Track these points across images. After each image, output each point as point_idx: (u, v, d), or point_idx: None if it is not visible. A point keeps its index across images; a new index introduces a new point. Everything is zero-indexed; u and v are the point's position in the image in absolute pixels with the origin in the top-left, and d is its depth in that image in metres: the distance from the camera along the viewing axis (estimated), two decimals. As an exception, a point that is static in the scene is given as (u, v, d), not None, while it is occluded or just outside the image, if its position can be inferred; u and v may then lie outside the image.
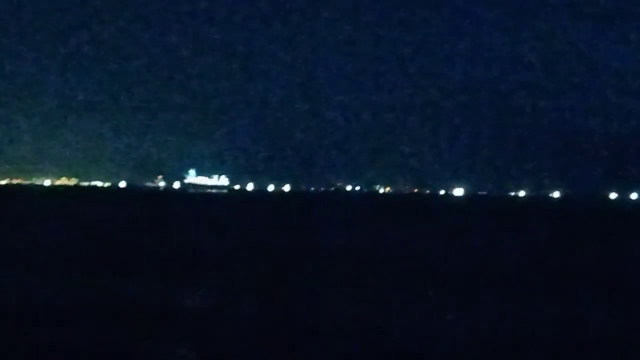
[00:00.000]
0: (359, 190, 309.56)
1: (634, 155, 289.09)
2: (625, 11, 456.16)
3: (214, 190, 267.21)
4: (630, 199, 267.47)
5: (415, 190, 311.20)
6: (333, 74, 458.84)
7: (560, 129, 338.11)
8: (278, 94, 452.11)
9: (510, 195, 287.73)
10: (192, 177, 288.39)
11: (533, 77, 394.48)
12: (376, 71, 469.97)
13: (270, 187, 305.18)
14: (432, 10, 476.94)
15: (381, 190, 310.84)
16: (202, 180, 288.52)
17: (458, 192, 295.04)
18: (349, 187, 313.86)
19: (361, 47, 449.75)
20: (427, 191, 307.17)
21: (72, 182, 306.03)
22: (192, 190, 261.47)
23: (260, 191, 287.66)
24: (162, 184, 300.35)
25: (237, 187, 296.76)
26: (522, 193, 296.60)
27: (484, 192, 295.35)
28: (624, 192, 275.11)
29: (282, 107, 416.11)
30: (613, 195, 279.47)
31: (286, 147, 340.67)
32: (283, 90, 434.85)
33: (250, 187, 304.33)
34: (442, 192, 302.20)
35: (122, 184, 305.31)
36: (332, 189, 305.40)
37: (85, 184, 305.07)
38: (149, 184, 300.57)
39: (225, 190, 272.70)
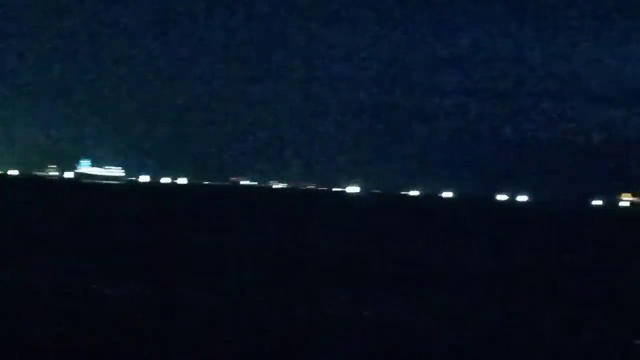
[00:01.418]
0: (255, 184, 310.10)
1: (524, 160, 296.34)
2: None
3: (107, 181, 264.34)
4: (518, 201, 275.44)
5: (312, 186, 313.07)
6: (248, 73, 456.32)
7: (456, 132, 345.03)
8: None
9: (403, 195, 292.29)
10: (86, 168, 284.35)
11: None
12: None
13: (166, 180, 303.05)
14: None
15: (275, 186, 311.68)
16: (96, 170, 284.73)
17: (353, 189, 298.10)
18: (244, 182, 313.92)
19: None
20: (324, 188, 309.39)
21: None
22: (86, 181, 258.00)
23: (154, 183, 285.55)
24: (54, 173, 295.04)
25: (131, 178, 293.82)
26: (415, 192, 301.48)
27: (378, 191, 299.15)
28: (513, 194, 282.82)
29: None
30: (503, 197, 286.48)
31: (187, 140, 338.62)
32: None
33: (144, 179, 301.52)
34: (337, 189, 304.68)
35: (14, 172, 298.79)
36: (228, 183, 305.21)
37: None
38: (41, 173, 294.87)
39: (118, 182, 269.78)
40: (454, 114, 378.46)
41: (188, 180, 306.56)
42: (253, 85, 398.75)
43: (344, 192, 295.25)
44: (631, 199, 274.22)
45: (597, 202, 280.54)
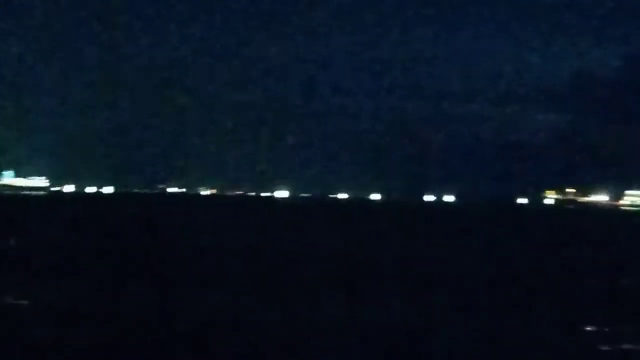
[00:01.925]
0: (184, 192, 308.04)
1: (449, 161, 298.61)
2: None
3: (30, 192, 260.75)
4: (445, 201, 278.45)
5: (240, 192, 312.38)
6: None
7: (383, 134, 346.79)
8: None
9: (332, 198, 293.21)
10: (9, 179, 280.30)
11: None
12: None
13: (92, 189, 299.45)
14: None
15: (205, 192, 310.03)
16: (19, 181, 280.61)
17: (281, 194, 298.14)
18: (172, 189, 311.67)
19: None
20: (252, 193, 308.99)
21: None
22: (7, 192, 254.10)
23: (79, 193, 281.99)
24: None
25: (55, 188, 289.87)
26: (344, 195, 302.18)
27: (308, 194, 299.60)
28: (440, 194, 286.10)
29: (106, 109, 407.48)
30: (430, 198, 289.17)
31: (115, 147, 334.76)
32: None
33: (69, 188, 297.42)
34: (266, 194, 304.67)
35: None
36: (157, 191, 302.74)
37: None
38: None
39: (42, 192, 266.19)
40: (381, 116, 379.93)
41: (114, 189, 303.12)
42: (178, 92, 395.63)
43: (273, 196, 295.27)
44: (555, 196, 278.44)
45: (522, 200, 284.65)
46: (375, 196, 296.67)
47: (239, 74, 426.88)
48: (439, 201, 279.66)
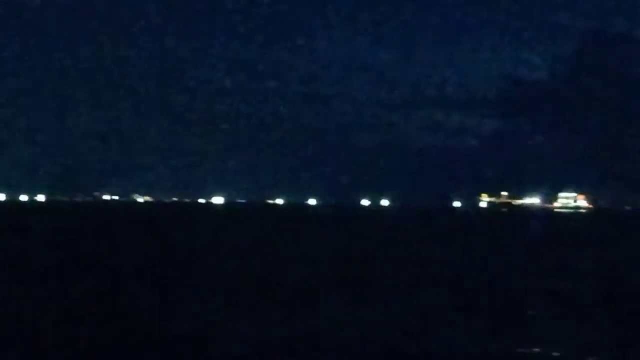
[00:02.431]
0: (117, 199, 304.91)
1: (383, 166, 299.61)
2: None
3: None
4: (382, 205, 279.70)
5: (175, 199, 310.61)
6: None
7: (319, 140, 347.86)
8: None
9: (268, 203, 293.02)
10: None
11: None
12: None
13: (24, 197, 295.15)
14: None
15: (140, 199, 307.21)
16: None
17: (218, 200, 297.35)
18: (106, 197, 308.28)
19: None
20: (187, 200, 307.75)
21: None
22: None
23: (8, 202, 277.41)
24: None
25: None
26: (280, 201, 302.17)
27: (243, 200, 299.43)
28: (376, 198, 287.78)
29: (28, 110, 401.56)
30: (366, 202, 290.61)
31: (47, 156, 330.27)
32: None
33: (0, 197, 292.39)
34: (202, 200, 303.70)
35: None
36: (90, 198, 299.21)
37: None
38: None
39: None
40: (316, 123, 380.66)
41: (46, 197, 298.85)
42: (115, 97, 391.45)
43: (210, 202, 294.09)
44: (489, 199, 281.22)
45: (457, 204, 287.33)
46: (312, 201, 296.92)
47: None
48: (374, 205, 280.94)
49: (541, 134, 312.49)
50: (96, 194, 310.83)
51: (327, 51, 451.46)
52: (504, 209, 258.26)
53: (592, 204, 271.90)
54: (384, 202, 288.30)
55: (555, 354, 18.73)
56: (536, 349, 19.08)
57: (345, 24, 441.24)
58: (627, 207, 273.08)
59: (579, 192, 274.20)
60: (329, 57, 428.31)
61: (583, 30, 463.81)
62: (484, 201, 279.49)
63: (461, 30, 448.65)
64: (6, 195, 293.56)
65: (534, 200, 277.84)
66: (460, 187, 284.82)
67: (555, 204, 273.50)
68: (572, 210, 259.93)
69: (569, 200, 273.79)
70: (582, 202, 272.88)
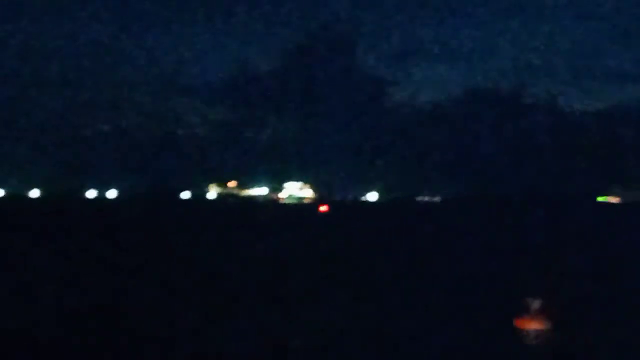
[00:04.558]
0: None
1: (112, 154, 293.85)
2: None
3: None
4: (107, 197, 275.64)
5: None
6: None
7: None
8: None
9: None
10: None
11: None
12: None
13: None
14: None
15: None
16: None
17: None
18: None
19: None
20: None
21: None
22: None
23: None
24: None
25: None
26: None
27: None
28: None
29: None
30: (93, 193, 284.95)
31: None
32: None
33: None
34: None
35: None
36: None
37: None
38: None
39: None
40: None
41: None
42: None
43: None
44: (217, 190, 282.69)
45: (185, 194, 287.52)
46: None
47: None
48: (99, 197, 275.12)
49: (269, 124, 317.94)
50: None
51: None
52: (230, 200, 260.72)
53: (317, 194, 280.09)
54: (111, 194, 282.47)
55: None
56: None
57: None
58: (349, 197, 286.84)
59: (305, 182, 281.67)
60: None
61: (311, 23, 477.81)
62: (213, 192, 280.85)
63: (199, 17, 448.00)
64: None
65: (261, 190, 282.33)
66: (189, 177, 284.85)
67: (281, 195, 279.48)
68: (296, 201, 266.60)
69: (294, 190, 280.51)
70: (308, 192, 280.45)
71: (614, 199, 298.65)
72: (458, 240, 73.83)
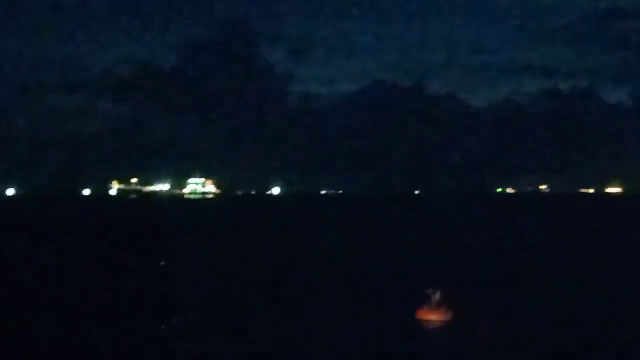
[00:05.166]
0: None
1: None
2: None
3: None
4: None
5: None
6: None
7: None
8: None
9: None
10: None
11: None
12: None
13: None
14: None
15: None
16: None
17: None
18: None
19: None
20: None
21: None
22: None
23: None
24: None
25: None
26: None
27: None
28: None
29: None
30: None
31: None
32: None
33: None
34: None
35: None
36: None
37: None
38: None
39: None
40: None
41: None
42: None
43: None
44: (119, 186, 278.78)
45: (87, 191, 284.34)
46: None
47: None
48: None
49: (171, 120, 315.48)
50: None
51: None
52: (133, 196, 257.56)
53: (220, 189, 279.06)
54: (10, 192, 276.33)
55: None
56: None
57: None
58: (253, 192, 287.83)
59: (207, 177, 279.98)
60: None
61: (218, 19, 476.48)
62: (115, 188, 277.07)
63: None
64: None
65: (164, 186, 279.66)
66: (90, 174, 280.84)
67: (185, 190, 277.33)
68: (200, 196, 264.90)
69: (196, 186, 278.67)
70: (211, 187, 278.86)
71: (511, 190, 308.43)
72: (363, 233, 74.56)
